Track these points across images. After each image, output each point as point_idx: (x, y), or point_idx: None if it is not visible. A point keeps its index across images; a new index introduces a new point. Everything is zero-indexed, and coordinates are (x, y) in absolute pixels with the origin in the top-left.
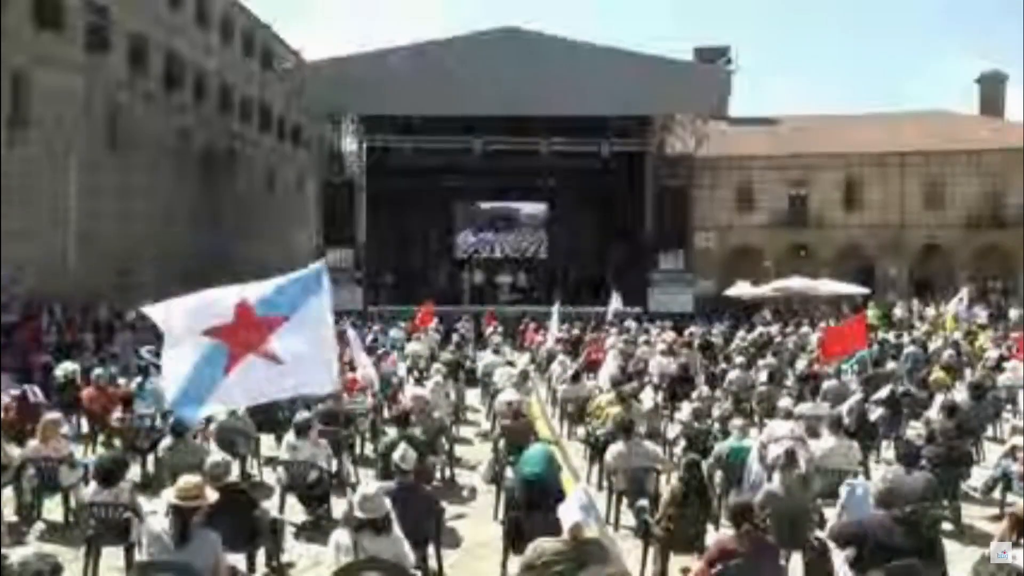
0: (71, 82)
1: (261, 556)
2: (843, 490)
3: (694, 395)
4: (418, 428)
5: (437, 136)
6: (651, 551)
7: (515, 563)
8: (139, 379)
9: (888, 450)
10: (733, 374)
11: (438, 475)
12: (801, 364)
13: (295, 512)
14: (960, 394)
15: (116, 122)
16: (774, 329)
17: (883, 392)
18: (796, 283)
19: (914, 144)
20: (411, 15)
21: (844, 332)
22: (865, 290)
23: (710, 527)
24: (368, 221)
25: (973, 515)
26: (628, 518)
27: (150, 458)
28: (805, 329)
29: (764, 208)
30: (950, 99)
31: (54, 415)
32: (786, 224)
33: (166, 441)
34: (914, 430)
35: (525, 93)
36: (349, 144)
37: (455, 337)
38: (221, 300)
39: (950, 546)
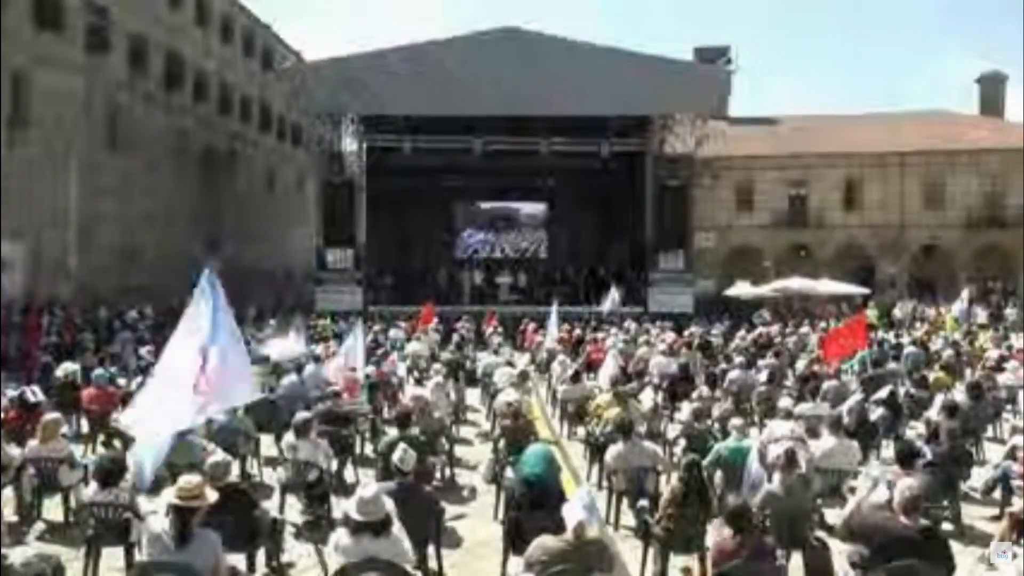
0: (71, 82)
1: (261, 556)
2: (864, 482)
3: (694, 395)
4: (418, 428)
5: (437, 136)
6: (651, 551)
7: (515, 563)
8: (139, 379)
9: (888, 450)
10: (733, 374)
11: (438, 475)
12: (801, 364)
13: (295, 512)
14: (960, 394)
15: (116, 122)
16: (774, 329)
17: (883, 392)
18: (796, 283)
19: (914, 144)
20: (411, 15)
21: (844, 332)
22: (865, 290)
23: (710, 527)
24: (368, 221)
25: (973, 515)
26: (628, 518)
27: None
28: (805, 329)
29: (764, 208)
30: (950, 99)
31: (54, 415)
32: (786, 224)
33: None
34: (914, 430)
35: (525, 93)
36: (349, 144)
37: (455, 337)
38: (189, 357)
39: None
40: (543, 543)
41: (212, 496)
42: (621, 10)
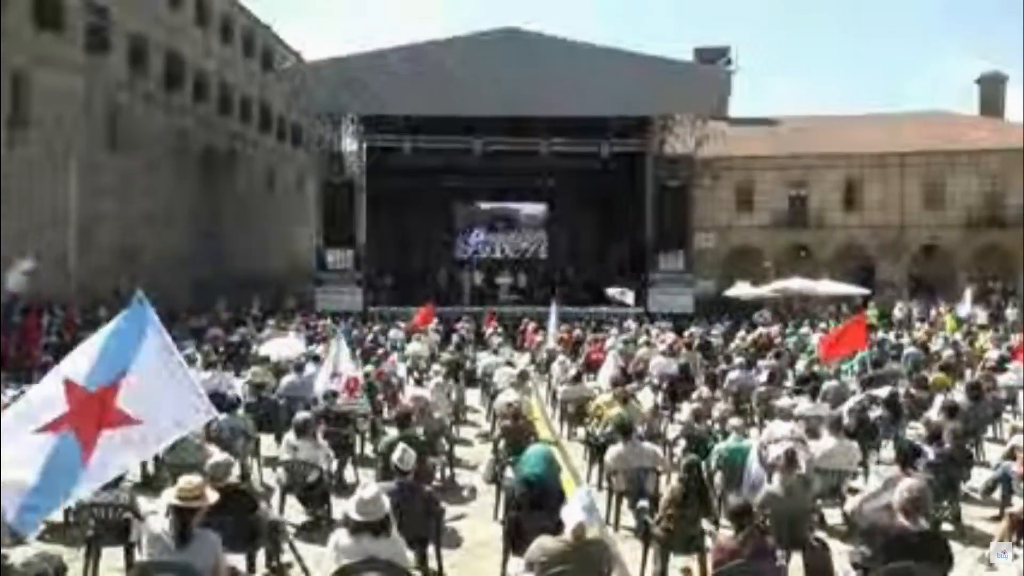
0: (71, 82)
1: (261, 556)
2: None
3: (694, 396)
4: (418, 428)
5: (437, 136)
6: (651, 551)
7: (515, 563)
8: None
9: (888, 450)
10: (733, 375)
11: (438, 475)
12: (801, 364)
13: (295, 512)
14: (960, 395)
15: (116, 122)
16: (774, 329)
17: (883, 392)
18: (796, 283)
19: (914, 144)
20: (411, 15)
21: (843, 334)
22: (865, 290)
23: (710, 527)
24: (368, 221)
25: (973, 515)
26: (628, 519)
27: (150, 458)
28: (805, 329)
29: (764, 208)
30: (950, 99)
31: None
32: (786, 224)
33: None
34: (914, 430)
35: (525, 93)
36: (349, 144)
37: (455, 337)
38: (45, 392)
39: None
40: (543, 544)
41: (212, 497)
42: (621, 10)
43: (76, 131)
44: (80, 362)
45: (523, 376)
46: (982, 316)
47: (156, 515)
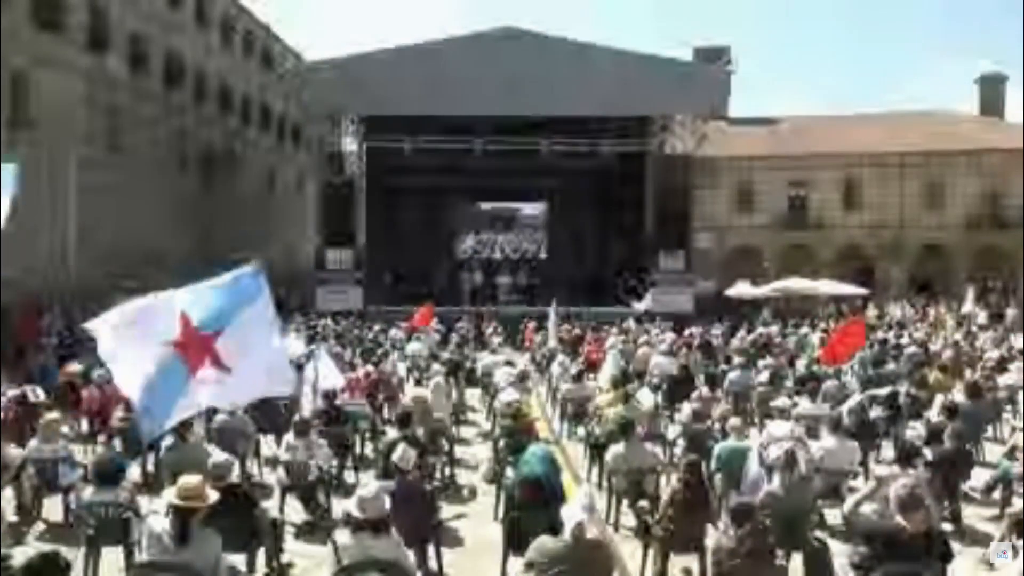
0: (71, 82)
1: (261, 556)
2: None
3: (694, 396)
4: (418, 428)
5: (437, 136)
6: (651, 551)
7: (515, 563)
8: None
9: (888, 450)
10: (733, 375)
11: (438, 475)
12: (801, 364)
13: (295, 512)
14: (960, 395)
15: (116, 122)
16: (774, 329)
17: (883, 392)
18: (796, 283)
19: (914, 144)
20: (411, 15)
21: (844, 335)
22: (865, 291)
23: (710, 527)
24: (368, 222)
25: (973, 515)
26: (628, 519)
27: (150, 458)
28: (805, 329)
29: (764, 208)
30: (950, 99)
31: (54, 415)
32: (786, 224)
33: (167, 441)
34: (914, 430)
35: (525, 93)
36: (349, 144)
37: (455, 337)
38: (163, 313)
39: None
40: (542, 544)
41: (212, 496)
42: (621, 10)
43: (76, 131)
44: (196, 302)
45: (523, 376)
46: (982, 316)
47: (156, 515)
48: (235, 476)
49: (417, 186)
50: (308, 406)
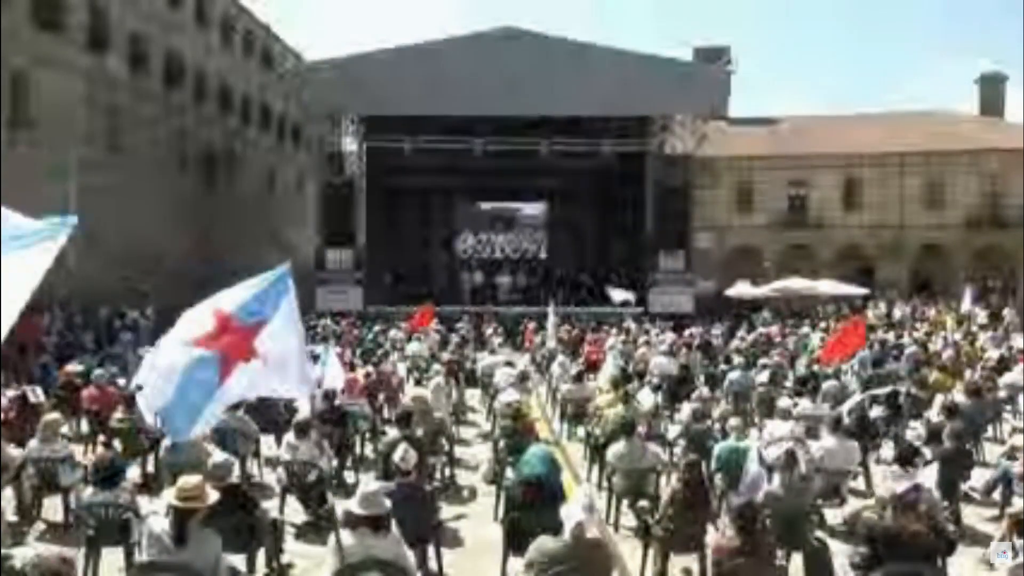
0: (71, 82)
1: (261, 556)
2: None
3: (694, 396)
4: (418, 428)
5: (437, 136)
6: (651, 551)
7: (515, 563)
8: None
9: (888, 450)
10: (733, 375)
11: (438, 475)
12: (801, 364)
13: (295, 512)
14: (960, 395)
15: (116, 122)
16: (774, 329)
17: (883, 392)
18: (796, 283)
19: (914, 144)
20: (411, 15)
21: (844, 336)
22: (865, 290)
23: (710, 527)
24: (368, 221)
25: (973, 515)
26: (628, 519)
27: (150, 458)
28: (805, 329)
29: (764, 208)
30: (950, 99)
31: (54, 415)
32: (786, 224)
33: (167, 441)
34: (914, 430)
35: (525, 93)
36: (349, 144)
37: (455, 337)
38: (198, 314)
39: None
40: (542, 544)
41: (212, 496)
42: (621, 10)
43: (76, 131)
44: (233, 297)
45: (523, 376)
46: (982, 316)
47: (156, 515)
48: (235, 476)
49: (417, 186)
50: (306, 406)
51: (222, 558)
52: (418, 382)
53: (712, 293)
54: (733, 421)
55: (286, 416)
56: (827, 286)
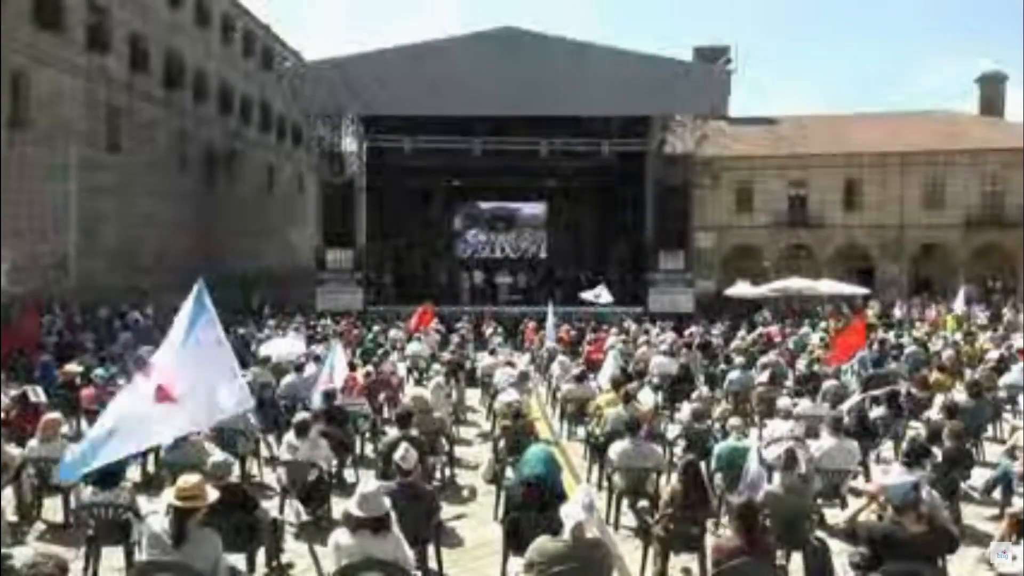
0: (71, 82)
1: (261, 556)
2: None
3: (694, 395)
4: (418, 428)
5: (437, 136)
6: (651, 551)
7: (515, 563)
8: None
9: (888, 450)
10: (733, 374)
11: (438, 475)
12: (801, 364)
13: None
14: (960, 395)
15: (116, 122)
16: (774, 329)
17: (883, 392)
18: (796, 283)
19: (914, 144)
20: (411, 15)
21: (844, 337)
22: (865, 290)
23: (710, 527)
24: (368, 221)
25: (973, 515)
26: (628, 518)
27: (150, 458)
28: (805, 329)
29: (764, 208)
30: (950, 99)
31: (54, 415)
32: (786, 224)
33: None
34: (914, 430)
35: (525, 93)
36: (349, 144)
37: (455, 337)
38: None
39: None
40: (541, 544)
41: (212, 496)
42: (621, 10)
43: (76, 131)
44: (163, 347)
45: (523, 376)
46: (982, 316)
47: (156, 515)
48: (235, 476)
49: (417, 186)
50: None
51: (222, 558)
52: (418, 382)
53: (712, 293)
54: (733, 421)
55: (286, 416)
56: (827, 286)
